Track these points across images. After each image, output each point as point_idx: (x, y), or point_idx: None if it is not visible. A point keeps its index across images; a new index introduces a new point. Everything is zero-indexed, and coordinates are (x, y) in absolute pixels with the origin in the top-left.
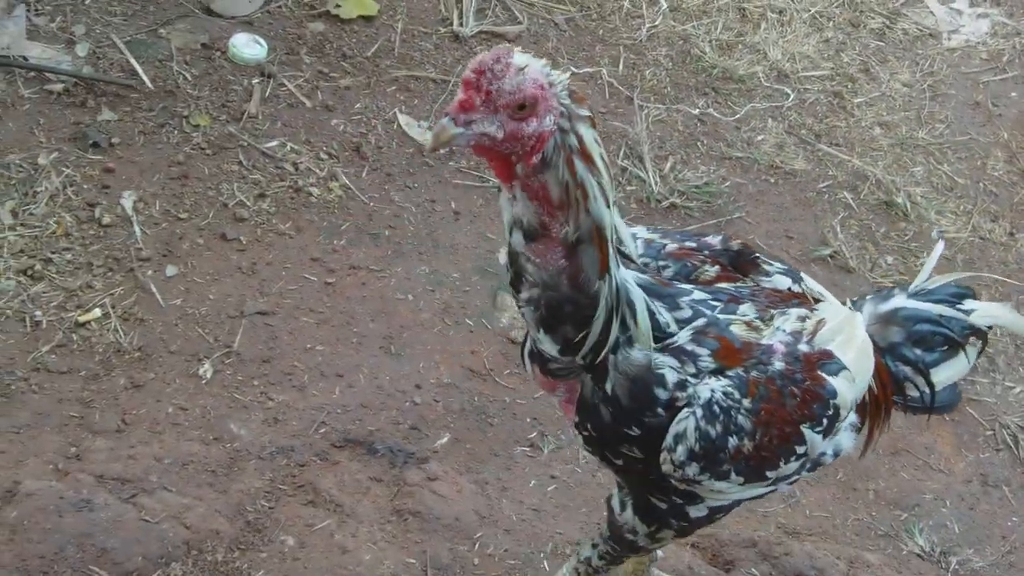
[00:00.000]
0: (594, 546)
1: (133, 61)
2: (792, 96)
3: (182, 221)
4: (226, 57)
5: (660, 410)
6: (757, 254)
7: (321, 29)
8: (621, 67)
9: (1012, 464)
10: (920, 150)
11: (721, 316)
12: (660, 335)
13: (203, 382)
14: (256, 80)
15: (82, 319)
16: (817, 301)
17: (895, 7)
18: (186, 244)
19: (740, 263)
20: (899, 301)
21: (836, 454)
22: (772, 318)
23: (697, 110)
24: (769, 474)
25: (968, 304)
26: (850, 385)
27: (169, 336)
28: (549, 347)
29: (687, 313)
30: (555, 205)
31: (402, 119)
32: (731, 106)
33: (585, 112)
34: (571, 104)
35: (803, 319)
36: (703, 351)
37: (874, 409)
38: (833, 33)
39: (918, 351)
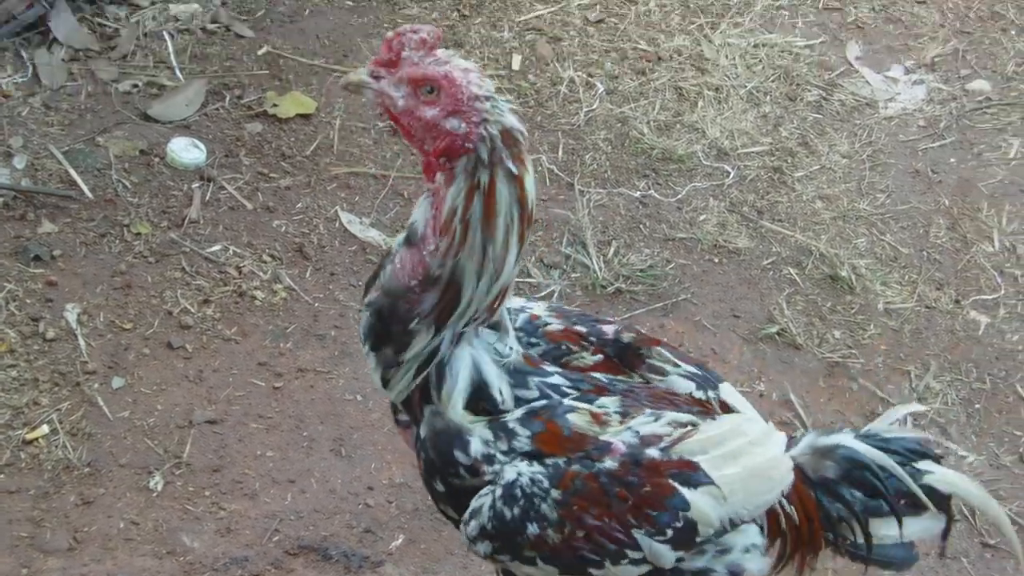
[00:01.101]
0: None
1: (72, 171)
2: (732, 173)
3: (127, 331)
4: (165, 163)
5: (464, 473)
6: (647, 351)
7: (259, 129)
8: (561, 153)
9: (969, 535)
10: (862, 221)
11: (567, 402)
12: (491, 408)
13: (154, 495)
14: (196, 184)
15: (29, 436)
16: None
17: (831, 78)
18: (132, 355)
19: (627, 356)
20: (842, 438)
21: (735, 575)
22: (633, 417)
23: (638, 192)
24: (593, 572)
25: (925, 465)
26: (716, 503)
27: (118, 449)
28: (373, 368)
29: (533, 393)
30: (440, 224)
31: (344, 217)
32: (672, 187)
33: (509, 164)
34: (500, 143)
35: (677, 425)
36: (524, 432)
37: (795, 538)
38: (770, 108)
39: (857, 494)
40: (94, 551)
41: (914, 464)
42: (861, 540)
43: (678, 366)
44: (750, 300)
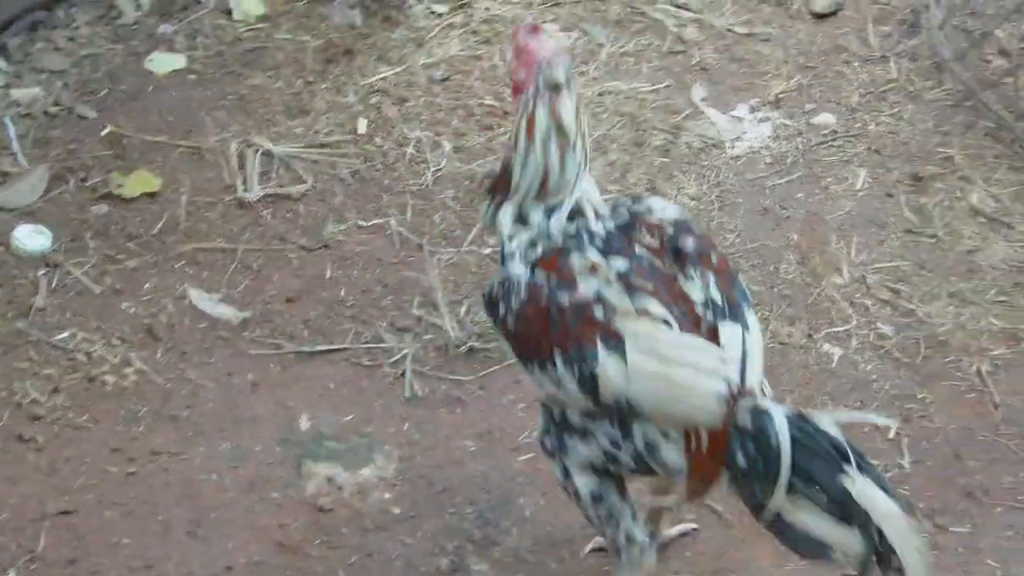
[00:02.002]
0: None
1: None
2: None
3: None
4: (9, 252)
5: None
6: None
7: (105, 211)
8: (410, 214)
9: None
10: None
11: (584, 246)
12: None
13: None
14: (42, 271)
15: None
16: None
17: (676, 122)
18: None
19: (678, 256)
20: (775, 410)
21: (649, 448)
22: (617, 283)
23: (488, 249)
24: (528, 366)
25: (851, 470)
26: (620, 378)
27: None
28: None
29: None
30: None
31: (193, 294)
32: None
33: (545, 101)
34: (542, 89)
35: (644, 311)
36: (538, 251)
37: (697, 457)
38: (618, 155)
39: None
40: None
41: (840, 465)
42: (757, 501)
43: (707, 287)
44: None
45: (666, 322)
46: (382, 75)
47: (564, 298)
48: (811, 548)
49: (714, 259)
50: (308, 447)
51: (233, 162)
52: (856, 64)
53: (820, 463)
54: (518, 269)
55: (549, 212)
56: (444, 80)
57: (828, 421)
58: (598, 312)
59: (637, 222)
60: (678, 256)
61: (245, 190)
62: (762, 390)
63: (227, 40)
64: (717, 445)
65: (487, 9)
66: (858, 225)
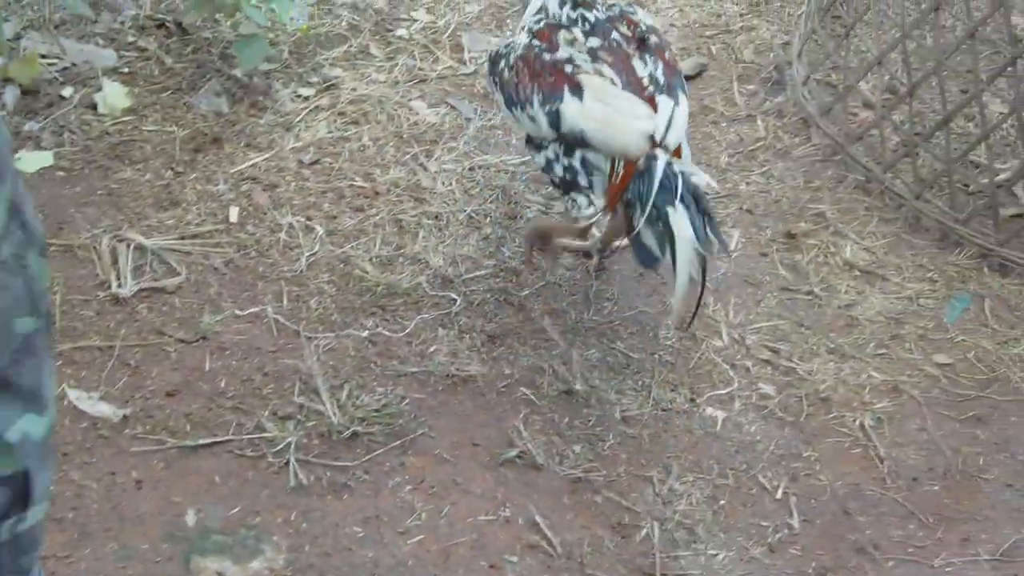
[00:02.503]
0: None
1: None
2: (459, 300)
3: None
4: None
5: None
6: (651, 48)
7: None
8: (285, 301)
9: None
10: (592, 332)
11: (573, 26)
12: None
13: None
14: None
15: None
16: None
17: (548, 192)
18: None
19: (641, 45)
20: (659, 154)
21: (584, 165)
22: (586, 53)
23: (367, 332)
24: (513, 111)
25: (677, 202)
26: (579, 115)
27: None
28: None
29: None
30: None
31: (71, 394)
32: (400, 321)
33: None
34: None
35: (599, 73)
36: (540, 26)
37: (610, 187)
38: (491, 229)
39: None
40: None
41: (674, 198)
42: (636, 225)
43: (655, 70)
44: (488, 427)
45: (613, 82)
46: (251, 161)
47: (546, 57)
48: (647, 258)
49: (667, 56)
50: (196, 542)
51: (106, 258)
52: (724, 124)
53: (664, 193)
54: (523, 38)
55: (562, 3)
56: (313, 163)
57: (687, 170)
58: (568, 68)
59: (623, 16)
60: (642, 44)
61: (119, 286)
62: (677, 152)
63: (94, 135)
64: (624, 177)
65: (353, 90)
66: (734, 286)
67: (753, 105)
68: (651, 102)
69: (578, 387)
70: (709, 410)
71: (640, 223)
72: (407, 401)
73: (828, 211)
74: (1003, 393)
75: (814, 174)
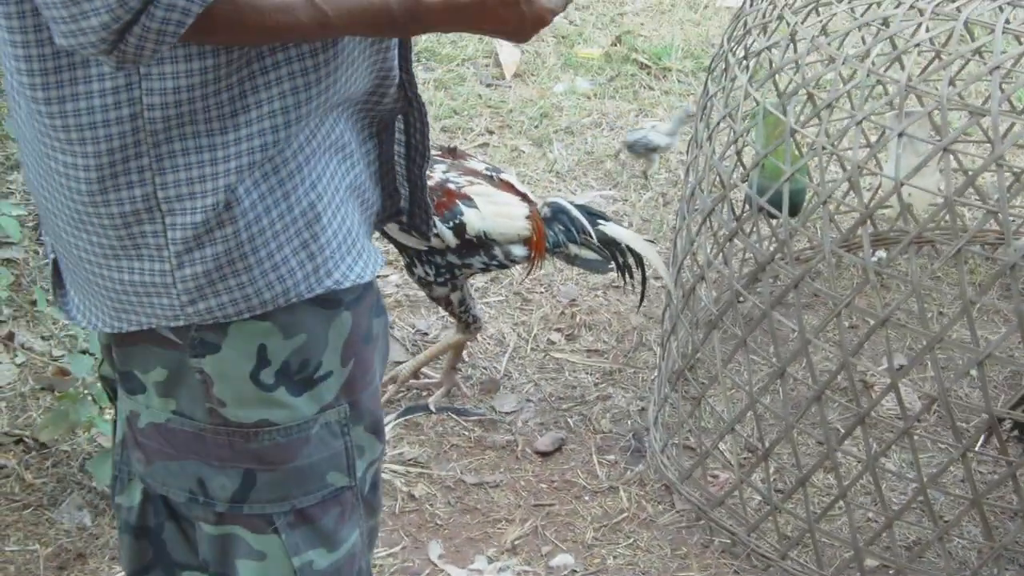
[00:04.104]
0: None
1: None
2: None
3: None
4: None
5: None
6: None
7: None
8: None
9: None
10: None
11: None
12: None
13: None
14: None
15: None
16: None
17: None
18: None
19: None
20: (557, 198)
21: (507, 255)
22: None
23: None
24: None
25: (601, 222)
26: (478, 219)
27: None
28: None
29: None
30: None
31: None
32: None
33: None
34: None
35: (470, 182)
36: None
37: (535, 245)
38: None
39: (560, 228)
40: None
41: (596, 220)
42: (572, 255)
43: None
44: None
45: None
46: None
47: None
48: (596, 266)
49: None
50: None
51: None
52: (587, 498)
53: (589, 219)
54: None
55: None
56: None
57: (579, 201)
58: (451, 186)
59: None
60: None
61: None
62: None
63: None
64: (540, 234)
65: None
66: None
67: (615, 476)
68: (502, 184)
69: None
70: None
71: (577, 251)
72: None
73: None
74: None
75: (680, 541)
